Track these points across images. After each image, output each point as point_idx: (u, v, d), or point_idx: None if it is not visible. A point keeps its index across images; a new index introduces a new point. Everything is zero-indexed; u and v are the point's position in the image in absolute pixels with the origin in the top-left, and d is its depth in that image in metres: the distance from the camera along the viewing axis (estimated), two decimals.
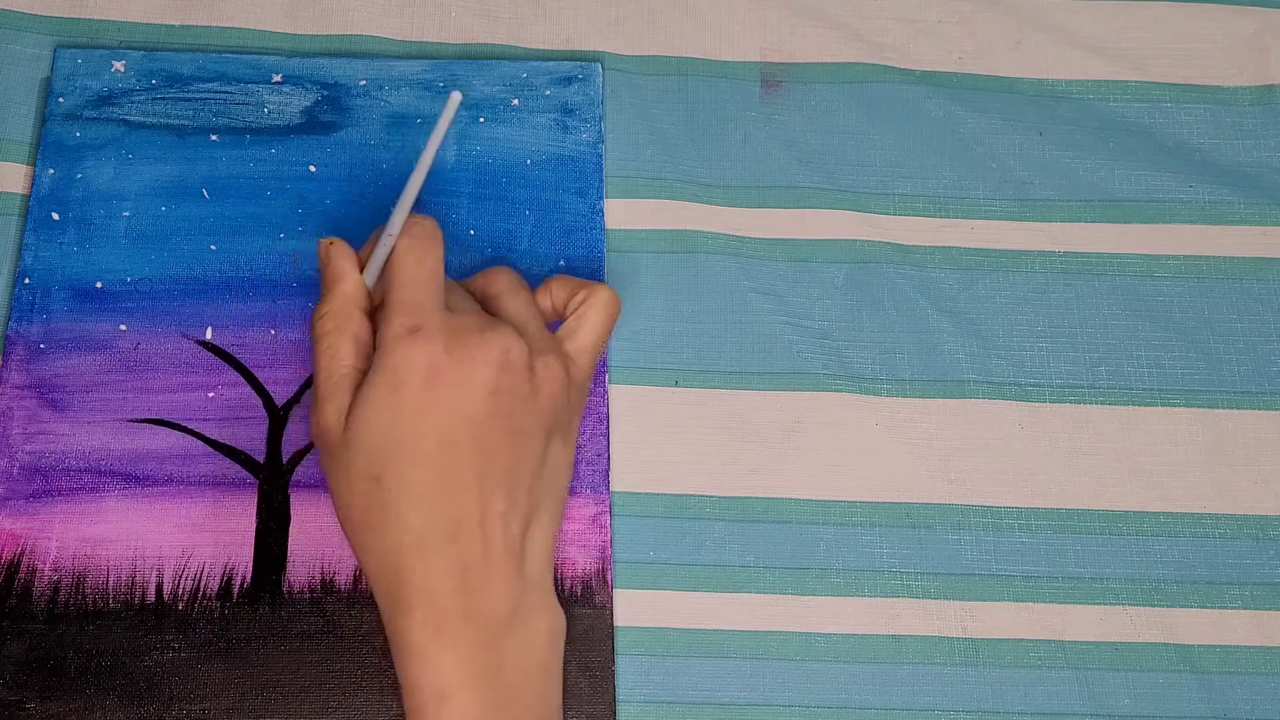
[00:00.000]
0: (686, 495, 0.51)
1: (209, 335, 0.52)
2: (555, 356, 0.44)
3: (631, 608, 0.49)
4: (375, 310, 0.45)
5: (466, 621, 0.40)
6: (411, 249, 0.43)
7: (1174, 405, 0.53)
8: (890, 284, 0.55)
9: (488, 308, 0.46)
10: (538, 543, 0.43)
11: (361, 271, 0.45)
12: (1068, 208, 0.56)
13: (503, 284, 0.46)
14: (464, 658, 0.40)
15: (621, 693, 0.48)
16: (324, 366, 0.43)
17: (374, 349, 0.43)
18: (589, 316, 0.46)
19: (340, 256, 0.44)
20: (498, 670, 0.40)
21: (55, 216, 0.53)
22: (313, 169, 0.55)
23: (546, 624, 0.42)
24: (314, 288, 0.53)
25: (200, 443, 0.51)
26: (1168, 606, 0.50)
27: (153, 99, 0.56)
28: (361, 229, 0.53)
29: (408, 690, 0.41)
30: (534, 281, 0.48)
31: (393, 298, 0.42)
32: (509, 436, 0.42)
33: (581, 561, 0.50)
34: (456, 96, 0.43)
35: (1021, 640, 0.50)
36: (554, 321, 0.48)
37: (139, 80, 0.56)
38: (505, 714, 0.40)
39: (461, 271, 0.52)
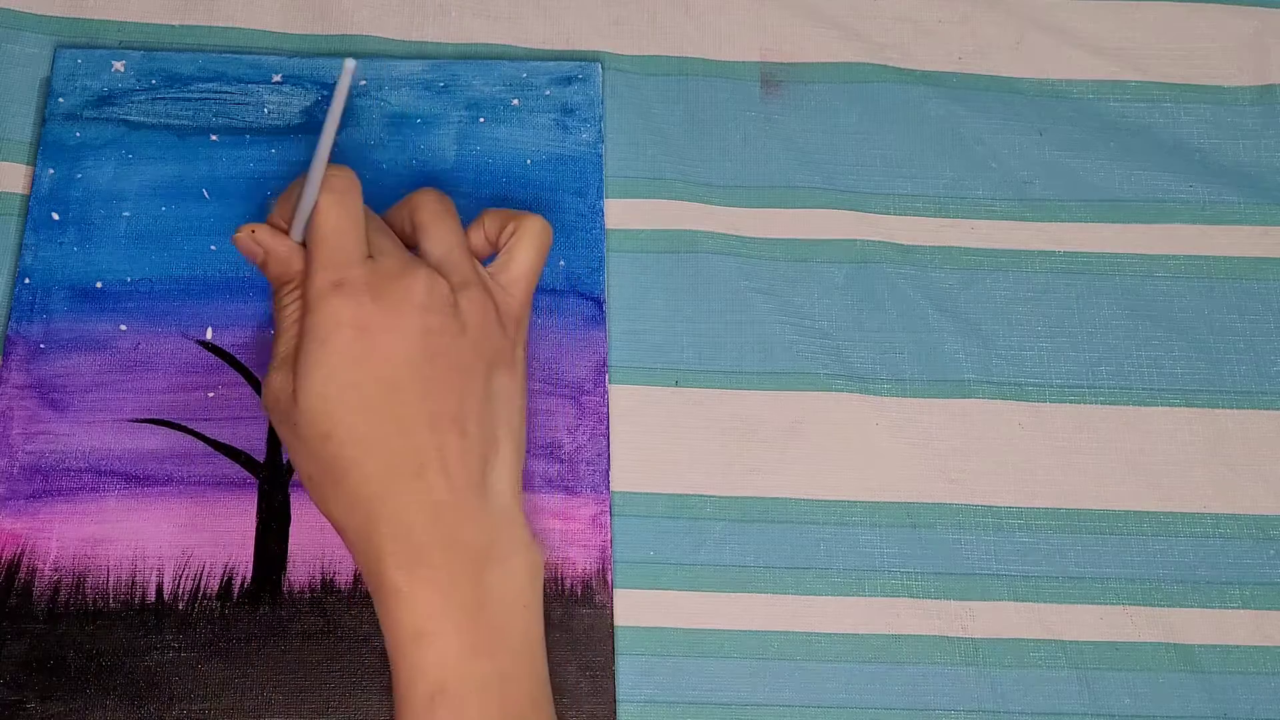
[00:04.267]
0: (686, 495, 0.51)
1: (209, 335, 0.52)
2: (477, 289, 0.44)
3: (631, 608, 0.49)
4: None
5: (443, 554, 0.40)
6: (333, 203, 0.42)
7: (1174, 405, 0.53)
8: (890, 284, 0.55)
9: (413, 237, 0.46)
10: (501, 477, 0.43)
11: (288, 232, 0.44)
12: (1068, 208, 0.56)
13: (429, 211, 0.46)
14: (442, 593, 0.40)
15: (622, 693, 0.48)
16: (279, 336, 0.44)
17: None
18: (519, 247, 0.46)
19: (273, 237, 0.44)
20: (477, 607, 0.40)
21: (55, 216, 0.53)
22: None
23: (525, 559, 0.42)
24: None
25: (200, 443, 0.51)
26: (1168, 606, 0.50)
27: (153, 99, 0.56)
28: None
29: (387, 636, 0.41)
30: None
31: (314, 254, 0.42)
32: (450, 373, 0.42)
33: (581, 561, 0.49)
34: (350, 64, 0.40)
35: (1021, 640, 0.50)
36: (489, 255, 0.47)
37: (139, 80, 0.56)
38: (486, 651, 0.40)
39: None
